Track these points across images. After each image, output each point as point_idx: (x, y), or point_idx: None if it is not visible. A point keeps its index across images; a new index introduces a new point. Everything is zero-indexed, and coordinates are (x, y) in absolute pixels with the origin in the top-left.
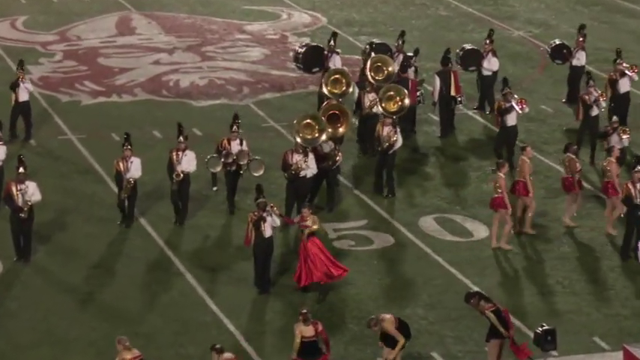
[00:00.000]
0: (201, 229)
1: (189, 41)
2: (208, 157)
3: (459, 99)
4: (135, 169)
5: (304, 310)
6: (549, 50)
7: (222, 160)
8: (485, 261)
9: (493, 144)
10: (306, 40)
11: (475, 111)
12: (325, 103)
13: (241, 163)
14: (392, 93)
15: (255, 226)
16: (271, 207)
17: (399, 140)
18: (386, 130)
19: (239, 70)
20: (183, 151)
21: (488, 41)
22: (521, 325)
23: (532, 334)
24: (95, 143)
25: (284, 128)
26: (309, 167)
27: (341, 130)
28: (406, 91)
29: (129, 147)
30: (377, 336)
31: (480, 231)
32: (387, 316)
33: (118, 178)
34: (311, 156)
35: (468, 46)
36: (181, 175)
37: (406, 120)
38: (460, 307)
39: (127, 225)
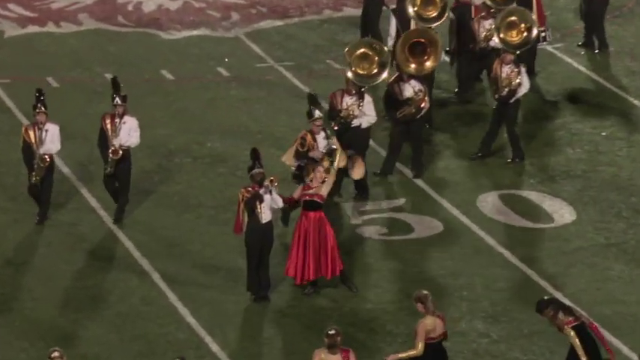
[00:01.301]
0: (173, 211)
1: None
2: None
3: (544, 34)
4: (51, 140)
5: (331, 331)
6: None
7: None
8: (571, 256)
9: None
10: None
11: (579, 49)
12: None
13: (341, 166)
14: (514, 18)
15: (249, 207)
16: (270, 181)
17: (524, 84)
18: (505, 71)
19: None
20: (121, 116)
21: None
22: (622, 346)
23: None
24: (23, 91)
25: (289, 70)
26: (366, 114)
27: (428, 64)
28: (534, 16)
29: (42, 109)
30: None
31: (563, 214)
32: (428, 320)
33: (27, 153)
34: (368, 99)
35: None
36: (119, 151)
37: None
38: (536, 319)
39: (40, 221)
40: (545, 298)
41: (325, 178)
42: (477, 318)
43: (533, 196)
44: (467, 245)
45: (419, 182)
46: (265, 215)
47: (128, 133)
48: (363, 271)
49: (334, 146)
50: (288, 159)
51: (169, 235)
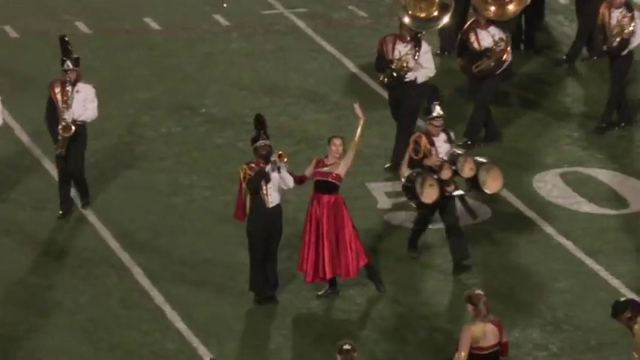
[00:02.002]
0: (158, 193)
1: None
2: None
3: None
4: (82, 103)
5: (346, 346)
6: None
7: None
8: None
9: None
10: None
11: None
12: None
13: (467, 176)
14: None
15: (252, 187)
16: (279, 155)
17: (637, 32)
18: (615, 16)
19: None
20: (74, 84)
21: None
22: None
23: None
24: None
25: (302, 19)
26: (422, 66)
27: (511, 8)
28: None
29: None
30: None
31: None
32: (476, 325)
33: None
34: (426, 48)
35: None
36: (72, 127)
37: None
38: (606, 327)
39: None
40: (622, 299)
41: (342, 153)
42: (532, 326)
43: (602, 175)
44: (520, 235)
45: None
46: (272, 198)
47: (82, 104)
48: (392, 267)
49: (458, 151)
50: (403, 170)
51: (154, 223)
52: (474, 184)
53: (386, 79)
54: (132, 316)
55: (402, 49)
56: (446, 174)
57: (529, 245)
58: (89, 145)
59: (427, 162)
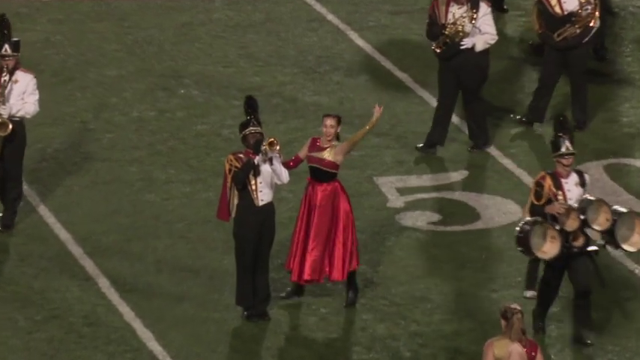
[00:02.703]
0: (129, 189)
1: None
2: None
3: None
4: (20, 95)
5: None
6: None
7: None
8: None
9: None
10: None
11: None
12: None
13: (601, 229)
14: None
15: (239, 182)
16: (270, 144)
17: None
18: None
19: None
20: (12, 73)
21: None
22: None
23: None
24: None
25: None
26: (481, 31)
27: None
28: None
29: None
30: None
31: None
32: (500, 342)
33: None
34: (485, 9)
35: None
36: (8, 125)
37: None
38: None
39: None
40: None
41: (334, 135)
42: (570, 345)
43: None
44: None
45: (489, 147)
46: (263, 195)
47: (21, 97)
48: (405, 278)
49: (590, 197)
50: (524, 215)
51: (124, 224)
52: (610, 238)
53: (438, 49)
54: (97, 336)
55: (456, 12)
56: (572, 224)
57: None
58: (46, 132)
59: (549, 209)
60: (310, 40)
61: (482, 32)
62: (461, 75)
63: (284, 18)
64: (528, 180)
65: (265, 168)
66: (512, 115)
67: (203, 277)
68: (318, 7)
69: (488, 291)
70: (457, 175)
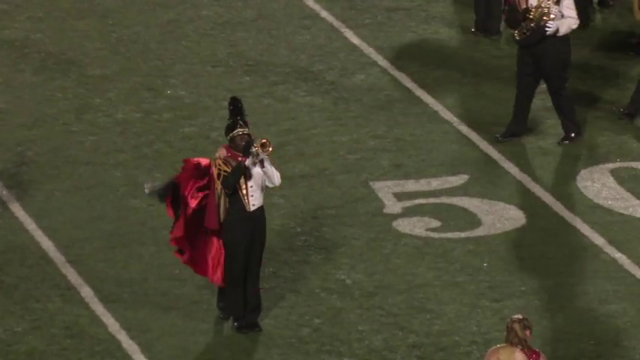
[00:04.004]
0: (113, 195)
1: None
2: None
3: None
4: None
5: None
6: None
7: None
8: None
9: None
10: None
11: None
12: None
13: None
14: None
15: (229, 186)
16: (262, 145)
17: None
18: None
19: None
20: None
21: None
22: None
23: None
24: None
25: None
26: (564, 15)
27: None
28: None
29: None
30: None
31: None
32: (505, 351)
33: None
34: None
35: None
36: None
37: None
38: None
39: None
40: None
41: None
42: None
43: None
44: (562, 246)
45: (490, 150)
46: (254, 199)
47: None
48: (402, 287)
49: None
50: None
51: (108, 231)
52: None
53: (519, 36)
54: (80, 348)
55: None
56: None
57: (574, 260)
58: (26, 134)
59: None
60: (303, 39)
61: (565, 16)
62: (541, 62)
63: (276, 15)
64: (531, 185)
65: (256, 171)
66: (614, 107)
67: (191, 286)
68: (311, 3)
69: (489, 300)
70: (457, 180)
